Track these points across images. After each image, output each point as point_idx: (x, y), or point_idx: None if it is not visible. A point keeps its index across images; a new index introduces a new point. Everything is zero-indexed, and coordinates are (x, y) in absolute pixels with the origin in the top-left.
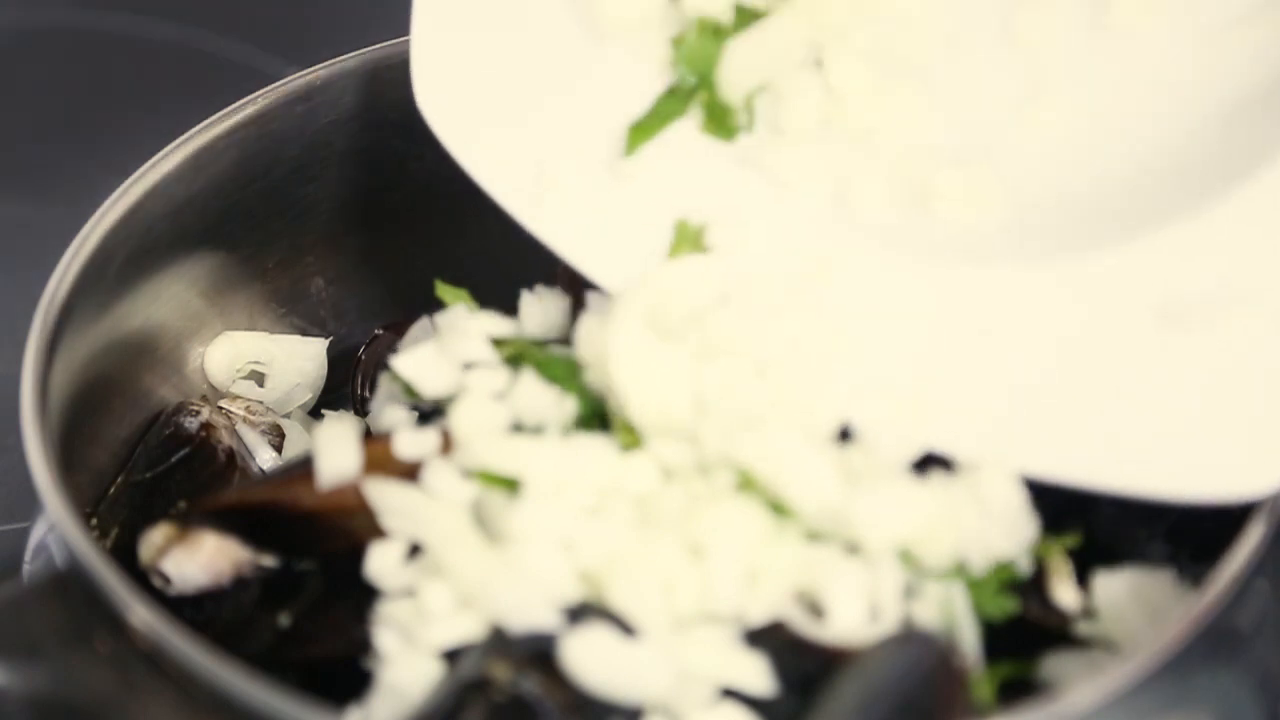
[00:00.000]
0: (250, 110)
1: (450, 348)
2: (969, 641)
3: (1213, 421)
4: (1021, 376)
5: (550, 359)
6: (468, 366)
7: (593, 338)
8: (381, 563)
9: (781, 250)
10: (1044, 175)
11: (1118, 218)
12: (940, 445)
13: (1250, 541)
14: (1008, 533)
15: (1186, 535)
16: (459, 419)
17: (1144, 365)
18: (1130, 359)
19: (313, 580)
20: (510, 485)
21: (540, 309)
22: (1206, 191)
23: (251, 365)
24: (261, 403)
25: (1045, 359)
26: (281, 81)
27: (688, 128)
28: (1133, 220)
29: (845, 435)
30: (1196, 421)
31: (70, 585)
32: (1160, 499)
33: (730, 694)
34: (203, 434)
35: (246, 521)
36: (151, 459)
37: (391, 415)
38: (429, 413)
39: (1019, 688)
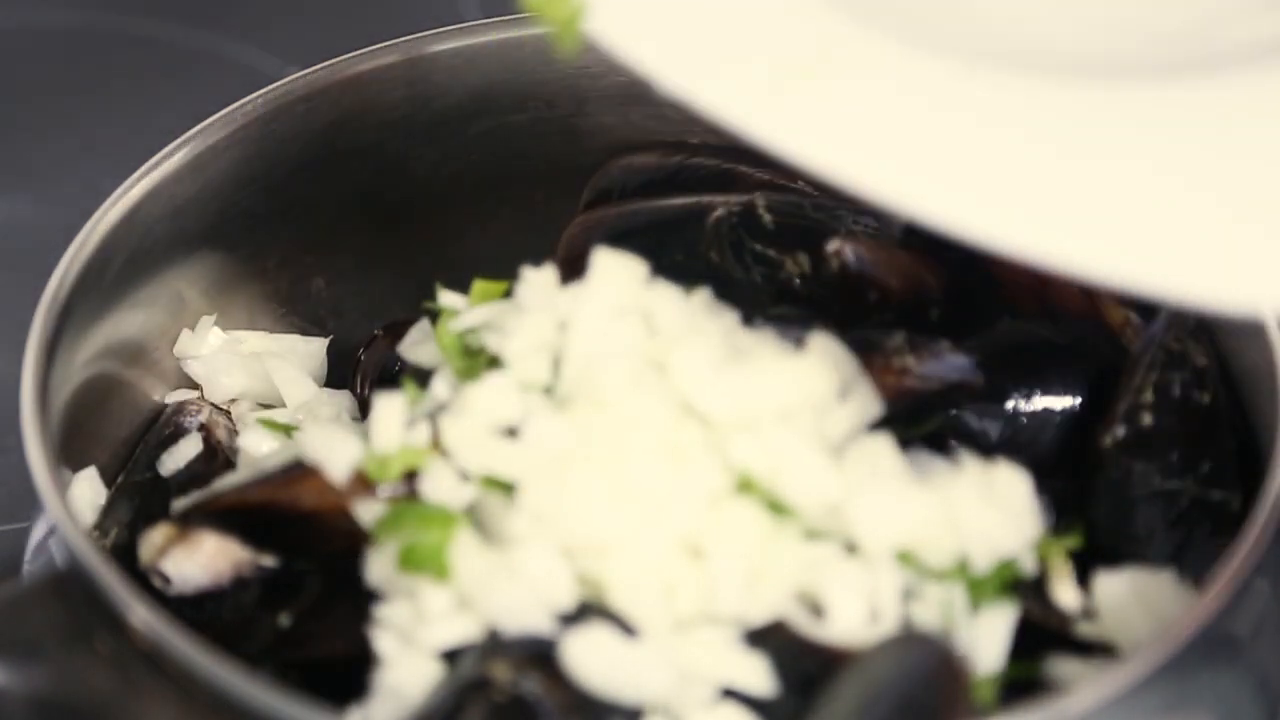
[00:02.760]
0: (250, 110)
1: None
2: (968, 642)
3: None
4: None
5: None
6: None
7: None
8: (381, 568)
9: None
10: None
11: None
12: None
13: (1250, 541)
14: (1014, 528)
15: (1187, 534)
16: (447, 426)
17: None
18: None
19: (313, 580)
20: (507, 488)
21: (538, 285)
22: None
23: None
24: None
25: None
26: (281, 81)
27: None
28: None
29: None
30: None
31: (70, 585)
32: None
33: (730, 694)
34: (203, 434)
35: (246, 521)
36: (151, 459)
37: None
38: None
39: (1019, 688)
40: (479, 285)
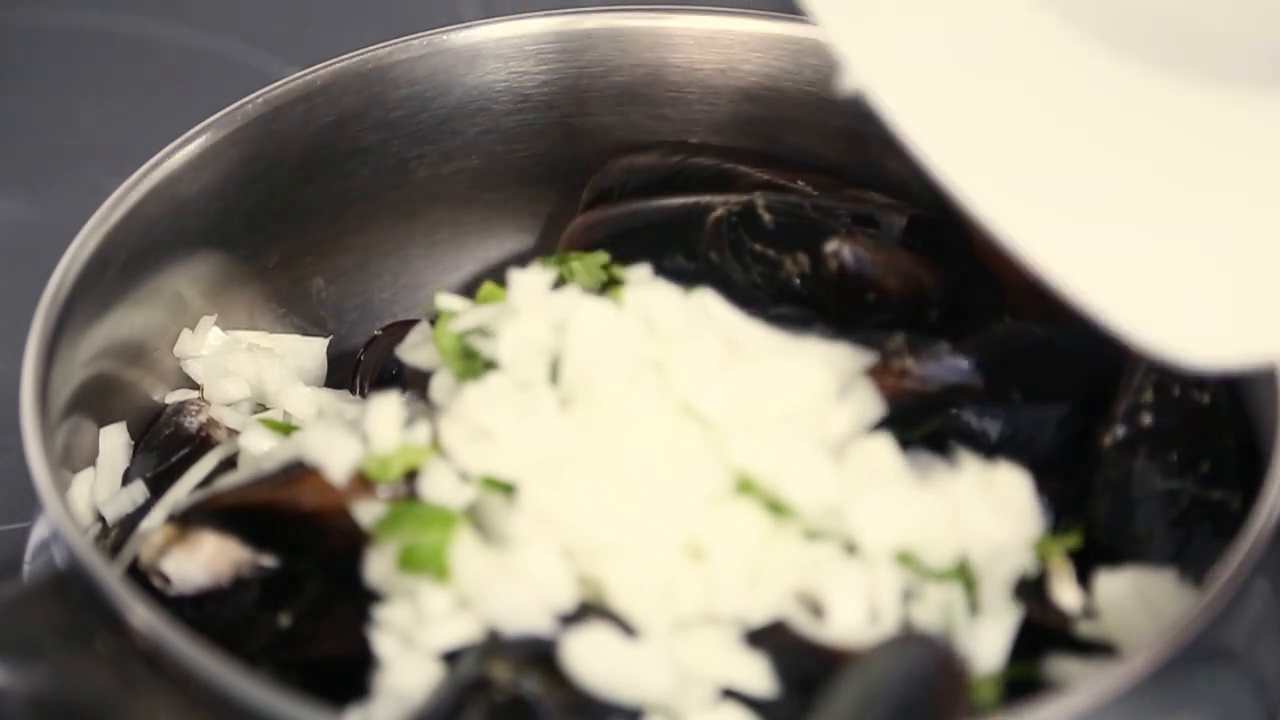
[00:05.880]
0: (250, 110)
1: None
2: (968, 642)
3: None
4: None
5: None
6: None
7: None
8: (381, 568)
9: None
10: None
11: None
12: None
13: (1250, 541)
14: (1014, 528)
15: (1187, 534)
16: (447, 427)
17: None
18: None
19: (313, 580)
20: (507, 488)
21: (527, 287)
22: None
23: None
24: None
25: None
26: (281, 81)
27: None
28: None
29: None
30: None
31: (70, 585)
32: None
33: (730, 694)
34: (203, 434)
35: (246, 521)
36: (151, 459)
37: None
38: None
39: (1019, 688)
40: (486, 288)
